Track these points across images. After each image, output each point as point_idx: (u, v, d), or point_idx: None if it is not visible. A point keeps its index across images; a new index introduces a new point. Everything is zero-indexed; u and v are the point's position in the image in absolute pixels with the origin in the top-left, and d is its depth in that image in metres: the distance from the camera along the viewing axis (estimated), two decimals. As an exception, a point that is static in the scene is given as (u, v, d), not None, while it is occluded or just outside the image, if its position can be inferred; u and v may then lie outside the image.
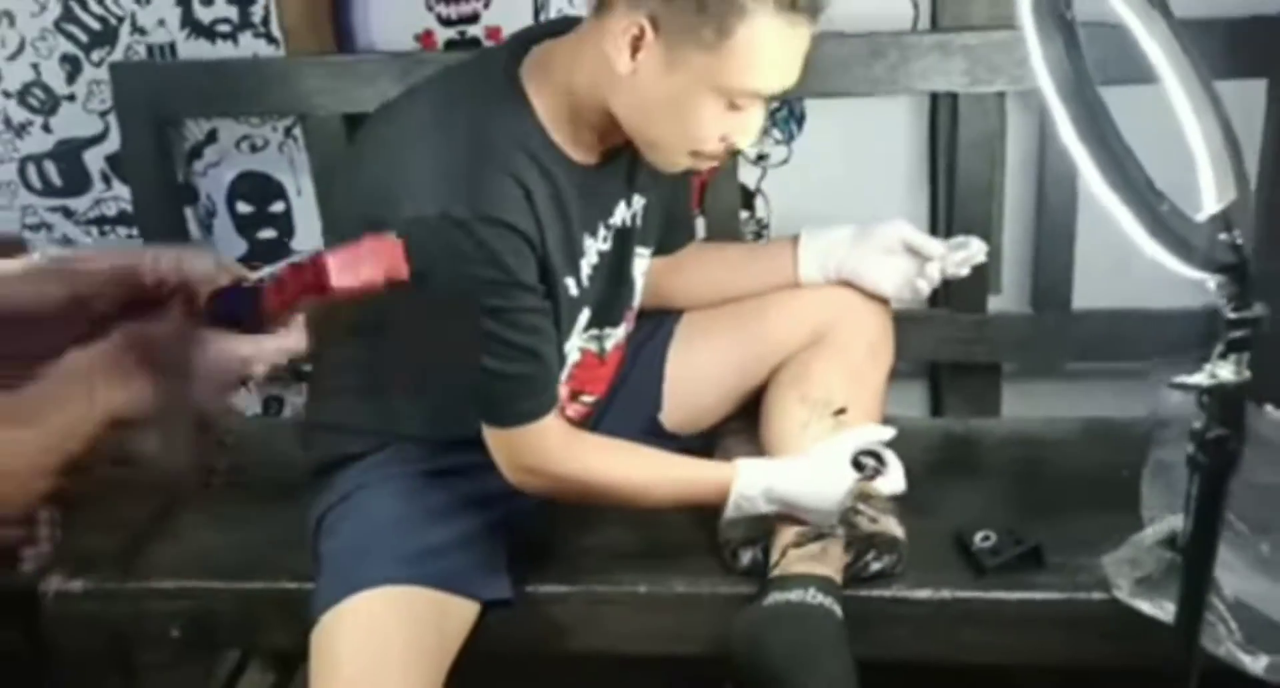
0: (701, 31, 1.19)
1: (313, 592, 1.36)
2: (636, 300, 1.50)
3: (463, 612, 1.36)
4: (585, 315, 1.41)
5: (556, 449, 1.33)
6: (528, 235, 1.25)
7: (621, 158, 1.37)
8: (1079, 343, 1.77)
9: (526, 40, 1.33)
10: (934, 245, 1.50)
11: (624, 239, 1.43)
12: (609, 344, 1.48)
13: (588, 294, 1.38)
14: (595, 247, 1.38)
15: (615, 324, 1.47)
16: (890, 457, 1.43)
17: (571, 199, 1.31)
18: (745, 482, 1.37)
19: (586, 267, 1.37)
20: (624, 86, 1.24)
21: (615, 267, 1.43)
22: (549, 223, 1.28)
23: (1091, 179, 0.91)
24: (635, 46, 1.21)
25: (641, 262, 1.48)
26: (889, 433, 1.42)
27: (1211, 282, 0.93)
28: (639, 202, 1.44)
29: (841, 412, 1.45)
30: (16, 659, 1.63)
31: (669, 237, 1.55)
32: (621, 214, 1.42)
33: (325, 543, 1.41)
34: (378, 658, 1.28)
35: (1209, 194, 0.97)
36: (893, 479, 1.42)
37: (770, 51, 1.22)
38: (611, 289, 1.44)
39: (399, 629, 1.29)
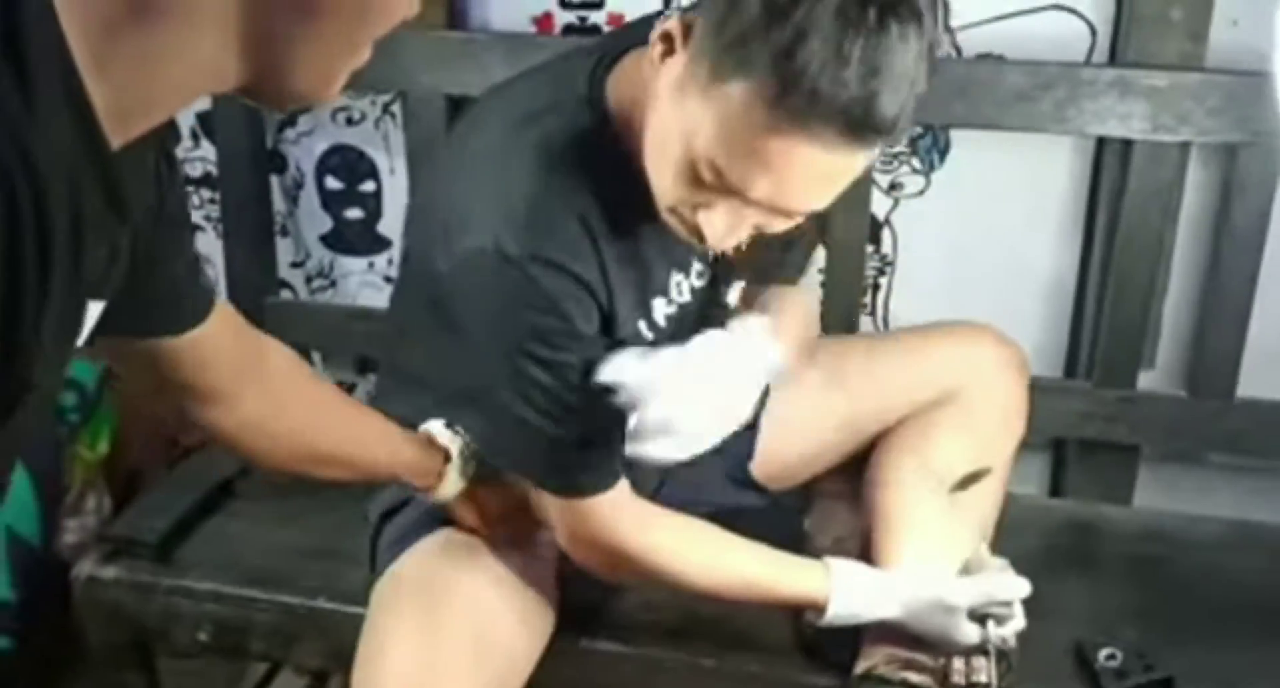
0: (711, 61, 0.94)
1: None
2: None
3: (542, 610, 1.26)
4: None
5: (624, 526, 1.16)
6: (590, 285, 1.08)
7: None
8: (1235, 434, 1.60)
9: (619, 44, 1.12)
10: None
11: (717, 275, 1.25)
12: None
13: (663, 334, 1.20)
14: (685, 283, 1.21)
15: None
16: (1019, 607, 1.23)
17: (651, 240, 1.13)
18: (842, 601, 1.21)
19: (665, 309, 1.19)
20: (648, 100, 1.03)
21: (706, 301, 1.25)
22: (617, 274, 1.11)
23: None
24: (666, 50, 1.00)
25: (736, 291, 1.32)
26: (1025, 589, 1.23)
27: None
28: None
29: (968, 483, 1.32)
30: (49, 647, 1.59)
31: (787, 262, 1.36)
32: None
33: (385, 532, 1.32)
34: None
35: None
36: (1016, 624, 1.23)
37: (773, 146, 0.93)
38: (696, 327, 1.22)
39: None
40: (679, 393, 1.04)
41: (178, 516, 1.56)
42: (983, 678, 1.21)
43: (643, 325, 1.17)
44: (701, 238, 1.02)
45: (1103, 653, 1.30)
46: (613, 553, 1.17)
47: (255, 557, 1.52)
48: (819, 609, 1.21)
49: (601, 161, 1.08)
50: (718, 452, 1.37)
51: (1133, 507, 1.67)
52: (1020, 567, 1.36)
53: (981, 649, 1.21)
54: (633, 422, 1.04)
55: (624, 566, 1.19)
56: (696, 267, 1.22)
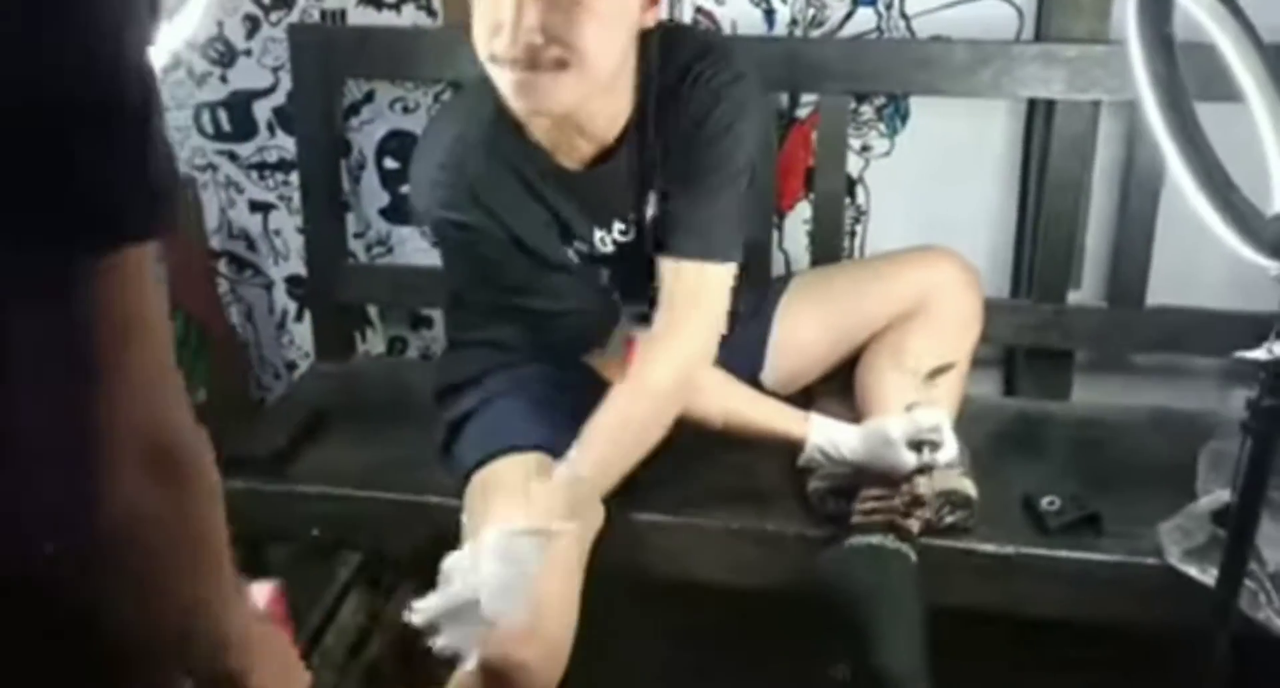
0: None
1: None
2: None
3: (597, 510, 1.48)
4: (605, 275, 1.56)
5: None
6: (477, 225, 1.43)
7: (617, 161, 1.49)
8: (1150, 338, 1.89)
9: None
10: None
11: (649, 232, 1.53)
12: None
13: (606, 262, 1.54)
14: (607, 237, 1.53)
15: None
16: (947, 433, 1.53)
17: (558, 196, 1.47)
18: (818, 437, 1.54)
19: (586, 250, 1.53)
20: None
21: (639, 252, 1.53)
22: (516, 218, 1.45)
23: (1178, 174, 1.07)
24: None
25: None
26: (942, 418, 1.53)
27: (1275, 268, 1.08)
28: (655, 202, 1.52)
29: (935, 375, 1.57)
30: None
31: (675, 236, 1.50)
32: (641, 210, 1.53)
33: (463, 433, 1.60)
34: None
35: (1278, 192, 1.13)
36: (948, 451, 1.53)
37: None
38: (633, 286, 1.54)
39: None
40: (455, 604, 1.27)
41: (286, 436, 1.83)
42: (922, 490, 1.51)
43: (570, 254, 1.50)
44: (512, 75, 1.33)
45: (1045, 500, 1.59)
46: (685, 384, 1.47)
47: (352, 467, 1.77)
48: (799, 443, 1.54)
49: (487, 131, 1.43)
50: (729, 368, 1.69)
51: (1071, 402, 1.96)
52: (978, 449, 1.67)
53: (919, 471, 1.51)
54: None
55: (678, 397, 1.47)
56: (618, 225, 1.53)
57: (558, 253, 1.51)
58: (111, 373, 0.63)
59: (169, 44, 1.65)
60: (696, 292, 1.48)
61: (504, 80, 1.36)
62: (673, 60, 1.48)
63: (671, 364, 1.47)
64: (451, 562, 1.31)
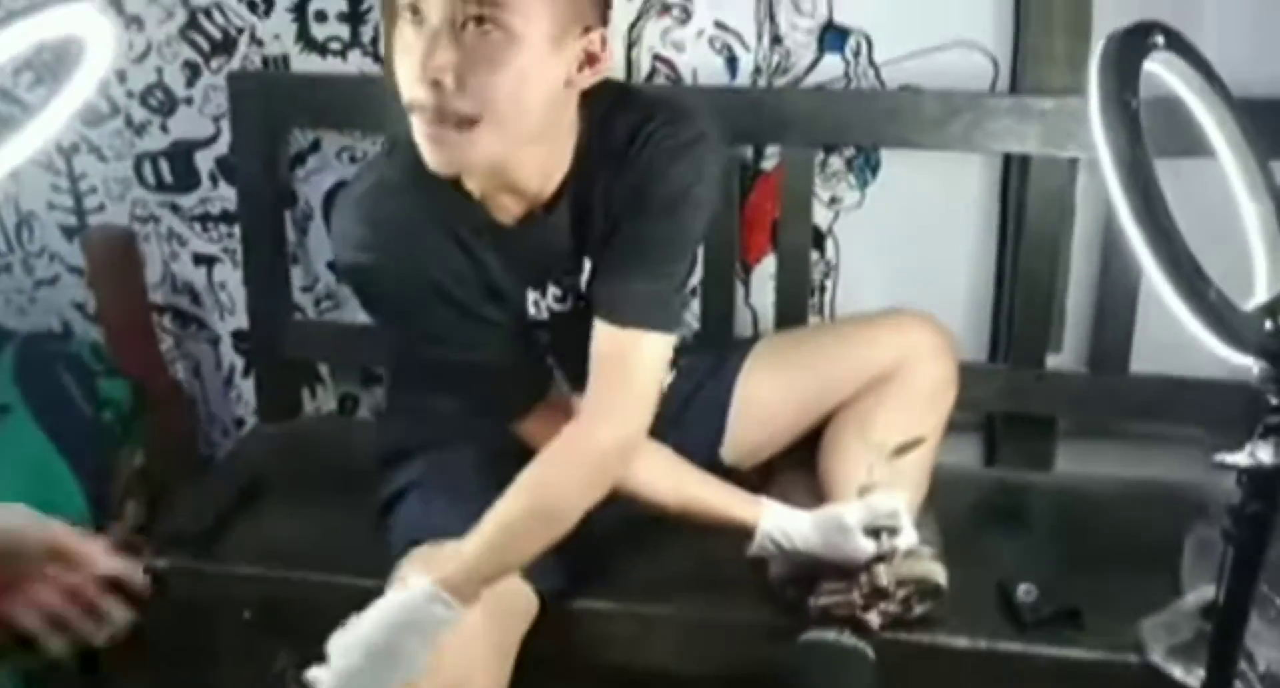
0: None
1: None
2: None
3: (522, 597, 1.41)
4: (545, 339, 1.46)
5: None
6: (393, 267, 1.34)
7: (552, 221, 1.39)
8: (1134, 405, 1.80)
9: None
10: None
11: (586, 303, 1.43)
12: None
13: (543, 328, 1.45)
14: (542, 302, 1.44)
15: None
16: (905, 517, 1.44)
17: (487, 249, 1.38)
18: (769, 525, 1.44)
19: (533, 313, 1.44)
20: None
21: (577, 324, 1.42)
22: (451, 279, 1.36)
23: (1145, 262, 0.96)
24: None
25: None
26: (899, 502, 1.44)
27: (1255, 366, 0.98)
28: (590, 269, 1.44)
29: (902, 451, 1.48)
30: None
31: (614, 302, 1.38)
32: (576, 278, 1.44)
33: (395, 512, 1.53)
34: None
35: (1260, 280, 1.02)
36: (907, 537, 1.44)
37: None
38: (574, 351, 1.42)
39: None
40: (348, 660, 1.24)
41: (214, 512, 1.73)
42: (883, 581, 1.41)
43: (494, 310, 1.40)
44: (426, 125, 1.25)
45: (1021, 589, 1.48)
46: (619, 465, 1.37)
47: (288, 543, 1.67)
48: (751, 528, 1.44)
49: (411, 182, 1.34)
50: (685, 440, 1.58)
51: (1053, 471, 1.87)
52: (954, 525, 1.58)
53: (879, 558, 1.41)
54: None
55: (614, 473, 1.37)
56: (554, 291, 1.44)
57: (481, 306, 1.39)
58: None
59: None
60: (632, 362, 1.36)
61: (419, 133, 1.27)
62: (620, 120, 1.38)
63: (598, 439, 1.35)
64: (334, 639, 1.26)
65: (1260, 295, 1.00)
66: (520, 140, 1.28)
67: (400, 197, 1.34)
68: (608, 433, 1.35)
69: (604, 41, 1.29)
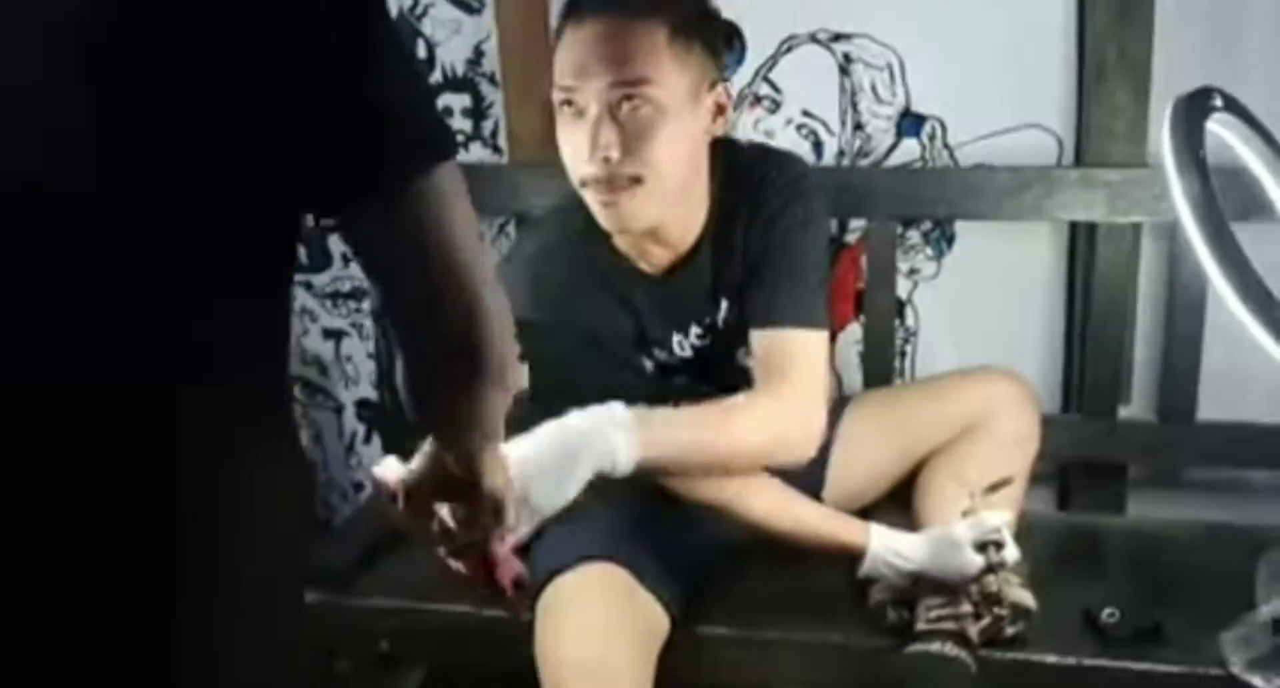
0: None
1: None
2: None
3: (658, 617, 1.53)
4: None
5: None
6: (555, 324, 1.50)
7: (696, 266, 1.58)
8: (1201, 451, 1.92)
9: None
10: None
11: (723, 337, 1.62)
12: None
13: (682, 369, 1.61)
14: (685, 342, 1.61)
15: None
16: (1008, 535, 1.55)
17: (640, 299, 1.56)
18: (879, 546, 1.57)
19: (666, 358, 1.61)
20: None
21: (715, 358, 1.62)
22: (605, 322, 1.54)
23: (1220, 289, 1.12)
24: None
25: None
26: (1008, 517, 1.57)
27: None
28: (727, 306, 1.61)
29: (994, 489, 1.59)
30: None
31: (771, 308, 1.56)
32: (714, 316, 1.62)
33: (534, 550, 1.61)
34: (598, 640, 1.46)
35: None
36: (1012, 551, 1.55)
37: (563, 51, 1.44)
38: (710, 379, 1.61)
39: (610, 608, 1.48)
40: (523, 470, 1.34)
41: (359, 550, 1.87)
42: (993, 588, 1.52)
43: (645, 360, 1.58)
44: (606, 197, 1.44)
45: (1105, 612, 1.59)
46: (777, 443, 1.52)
47: (420, 582, 1.74)
48: (859, 552, 1.56)
49: (576, 240, 1.54)
50: (791, 486, 1.72)
51: (1125, 516, 1.98)
52: (1036, 564, 1.66)
53: (988, 570, 1.52)
54: None
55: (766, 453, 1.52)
56: (695, 330, 1.61)
57: (634, 357, 1.58)
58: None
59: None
60: (795, 357, 1.53)
61: (593, 201, 1.48)
62: (739, 168, 1.59)
63: (766, 422, 1.50)
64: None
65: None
66: (676, 192, 1.49)
67: (561, 257, 1.54)
68: (777, 414, 1.51)
69: (728, 93, 1.53)
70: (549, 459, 1.38)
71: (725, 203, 1.58)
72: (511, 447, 1.34)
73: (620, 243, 1.57)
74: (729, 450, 1.51)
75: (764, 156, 1.61)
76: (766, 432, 1.52)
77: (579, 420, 1.42)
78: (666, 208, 1.50)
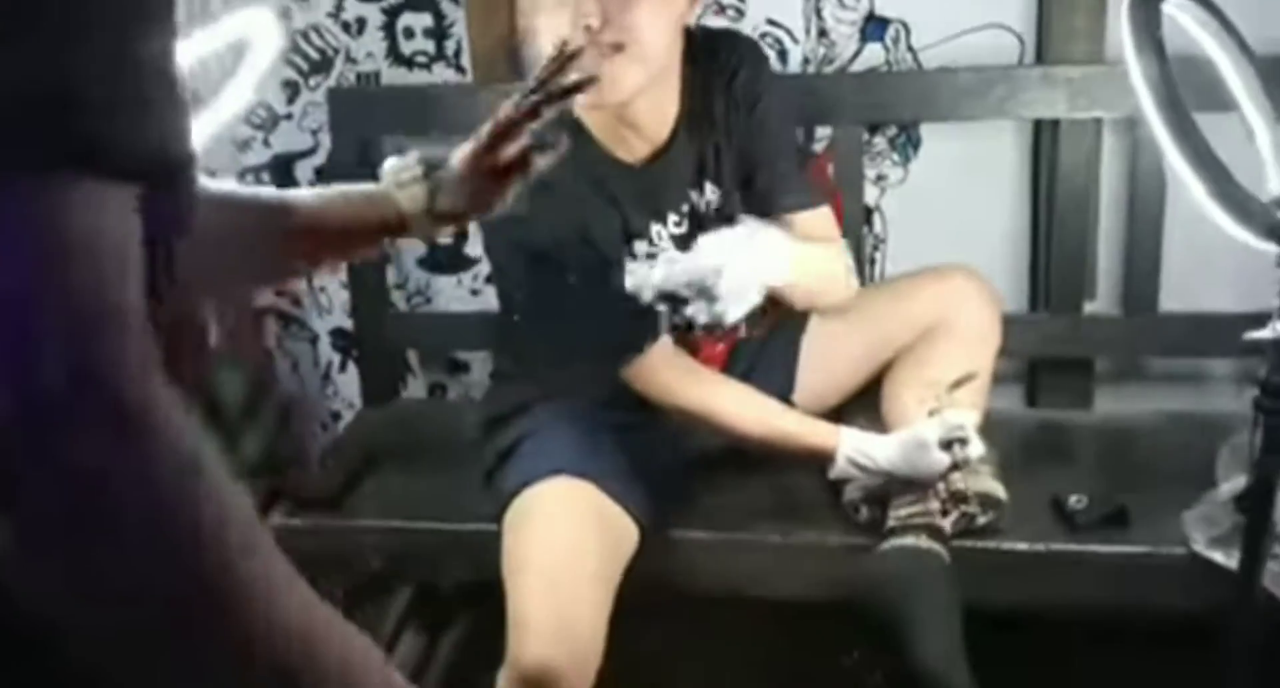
0: None
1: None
2: None
3: (626, 528, 1.57)
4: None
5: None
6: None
7: (672, 155, 1.62)
8: (1165, 343, 1.96)
9: None
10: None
11: (701, 221, 1.65)
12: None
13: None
14: (664, 230, 1.64)
15: None
16: (972, 432, 1.58)
17: (623, 191, 1.60)
18: (849, 448, 1.61)
19: (648, 248, 1.64)
20: None
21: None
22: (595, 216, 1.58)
23: (1177, 164, 1.15)
24: None
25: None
26: (973, 415, 1.60)
27: (1273, 248, 1.16)
28: (713, 190, 1.66)
29: (957, 385, 1.62)
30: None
31: (777, 198, 1.67)
32: (695, 201, 1.66)
33: (508, 463, 1.67)
34: (562, 547, 1.50)
35: (1274, 180, 1.21)
36: (976, 447, 1.58)
37: None
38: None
39: (577, 521, 1.52)
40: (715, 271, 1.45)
41: (342, 475, 1.90)
42: (959, 485, 1.57)
43: (626, 253, 1.61)
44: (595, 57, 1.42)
45: (1072, 498, 1.65)
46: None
47: (405, 501, 1.84)
48: (829, 455, 1.61)
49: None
50: (763, 388, 1.76)
51: (1092, 410, 2.03)
52: (1005, 458, 1.71)
53: (954, 467, 1.56)
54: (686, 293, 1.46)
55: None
56: (673, 218, 1.64)
57: (618, 250, 1.61)
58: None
59: (223, 117, 1.74)
60: (823, 229, 1.68)
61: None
62: (707, 54, 1.62)
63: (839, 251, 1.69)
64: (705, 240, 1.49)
65: (1274, 190, 1.18)
66: (654, 68, 1.51)
67: None
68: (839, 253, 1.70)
69: None
70: (741, 263, 1.47)
71: (700, 88, 1.62)
72: (703, 244, 1.49)
73: (595, 132, 1.59)
74: (831, 277, 1.68)
75: (721, 37, 1.66)
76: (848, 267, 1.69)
77: (761, 234, 1.52)
78: (647, 78, 1.51)
